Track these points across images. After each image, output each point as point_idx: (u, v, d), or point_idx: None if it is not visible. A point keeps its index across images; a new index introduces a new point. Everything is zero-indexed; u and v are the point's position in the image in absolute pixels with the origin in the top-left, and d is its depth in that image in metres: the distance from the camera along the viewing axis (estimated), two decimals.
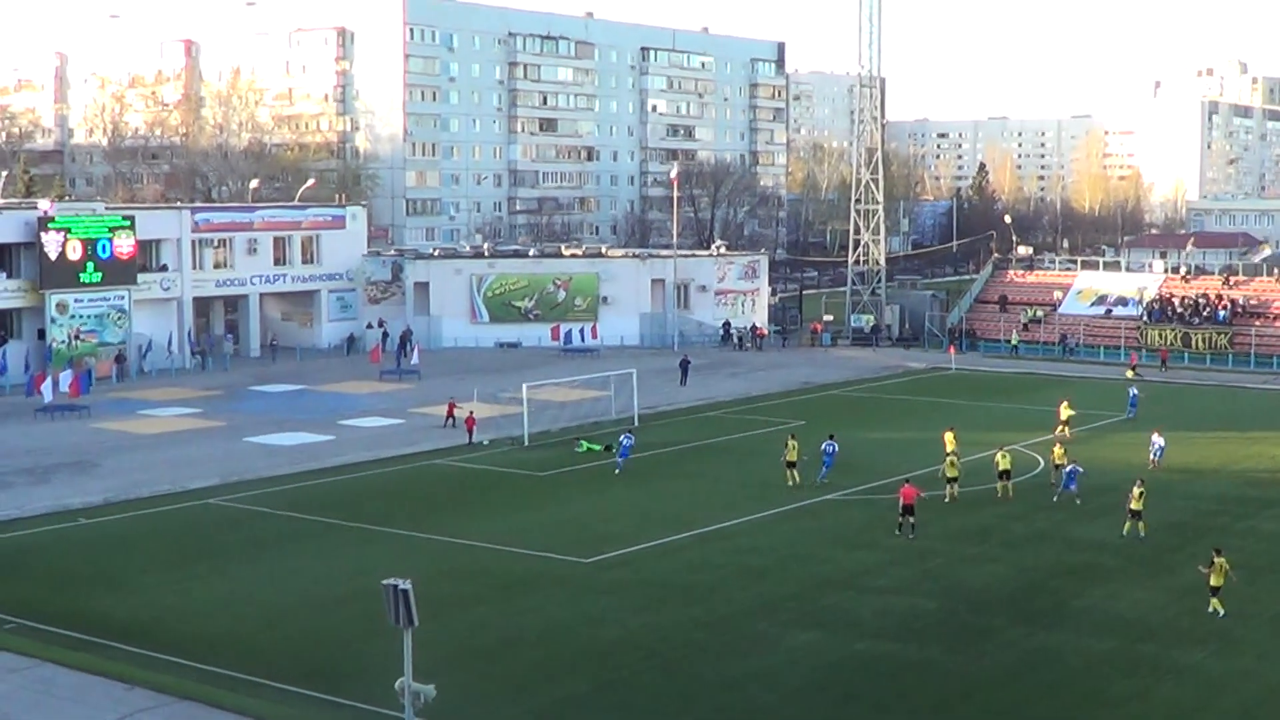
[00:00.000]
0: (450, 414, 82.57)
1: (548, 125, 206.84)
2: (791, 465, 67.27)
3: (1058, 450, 67.40)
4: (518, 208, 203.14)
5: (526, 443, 77.91)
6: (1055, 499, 62.59)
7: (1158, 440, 71.89)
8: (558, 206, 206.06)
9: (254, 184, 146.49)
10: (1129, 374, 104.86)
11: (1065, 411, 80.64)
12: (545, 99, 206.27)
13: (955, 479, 63.14)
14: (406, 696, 25.69)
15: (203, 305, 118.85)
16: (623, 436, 72.61)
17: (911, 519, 57.66)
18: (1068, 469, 63.50)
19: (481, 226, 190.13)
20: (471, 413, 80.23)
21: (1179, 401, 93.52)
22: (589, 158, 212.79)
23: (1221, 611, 46.13)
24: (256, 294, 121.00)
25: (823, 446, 67.67)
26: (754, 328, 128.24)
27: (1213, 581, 46.78)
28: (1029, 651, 43.82)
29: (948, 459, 64.42)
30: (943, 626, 46.03)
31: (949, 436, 68.92)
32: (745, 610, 47.90)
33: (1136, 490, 56.62)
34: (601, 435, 79.01)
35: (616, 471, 70.11)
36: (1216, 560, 44.07)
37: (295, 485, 67.82)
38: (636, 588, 50.66)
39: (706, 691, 40.39)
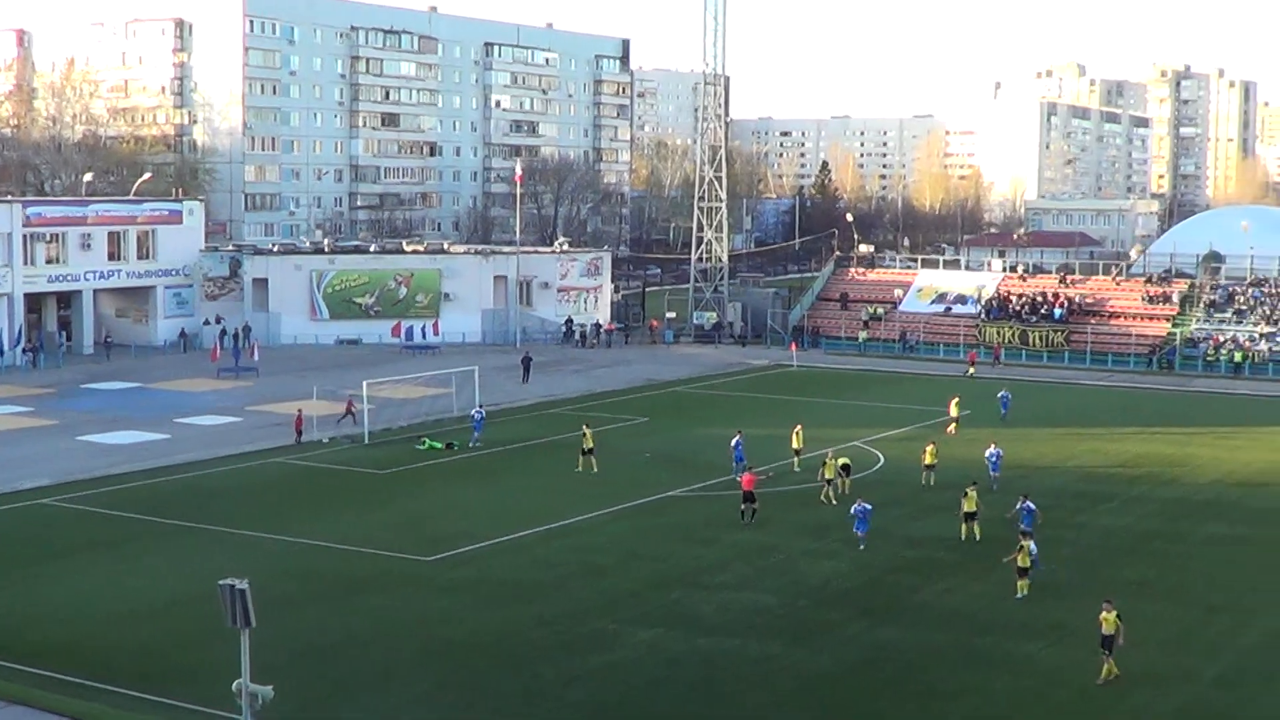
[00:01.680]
0: (349, 410, 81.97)
1: (390, 120, 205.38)
2: (588, 453, 68.80)
3: (929, 449, 67.85)
4: (359, 203, 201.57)
5: (367, 440, 77.39)
6: (994, 489, 63.88)
7: (1002, 394, 76.00)
8: (399, 202, 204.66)
9: (88, 177, 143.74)
10: (969, 371, 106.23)
11: (954, 409, 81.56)
12: (387, 94, 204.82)
13: (831, 480, 63.39)
14: (244, 698, 25.40)
15: (34, 301, 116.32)
16: (474, 411, 73.86)
17: (753, 505, 58.70)
18: (989, 453, 66.52)
19: (322, 222, 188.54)
20: (300, 411, 79.41)
21: (1015, 398, 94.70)
22: (431, 153, 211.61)
23: (1024, 593, 48.29)
24: (90, 290, 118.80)
25: (733, 443, 67.75)
26: (598, 324, 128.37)
27: (1020, 562, 48.56)
28: (869, 646, 44.26)
29: (827, 463, 64.56)
30: (783, 621, 46.36)
31: (797, 431, 69.72)
32: (587, 607, 47.92)
33: (971, 493, 57.35)
34: (443, 433, 78.69)
35: (471, 444, 72.17)
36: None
37: (131, 485, 66.77)
38: (479, 586, 50.51)
39: (549, 689, 40.35)
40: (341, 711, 38.57)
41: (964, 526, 56.64)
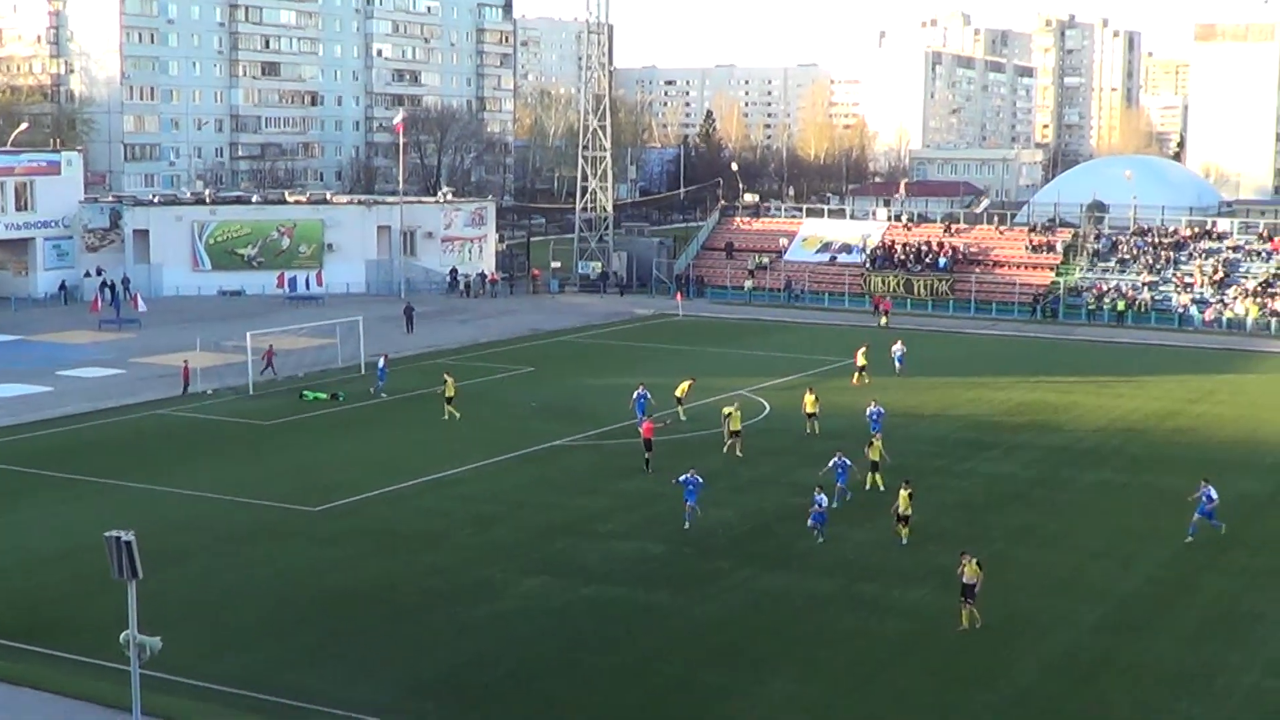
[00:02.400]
0: (269, 359, 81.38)
1: (270, 69, 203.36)
2: (449, 401, 69.84)
3: (809, 398, 67.94)
4: (240, 154, 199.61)
5: (251, 392, 76.77)
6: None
7: (899, 349, 79.32)
8: (281, 152, 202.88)
9: None
10: (882, 321, 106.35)
11: (861, 359, 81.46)
12: (267, 42, 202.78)
13: (738, 433, 63.40)
14: (132, 649, 25.20)
15: None
16: (378, 361, 76.05)
17: (648, 454, 59.09)
18: (870, 411, 64.88)
19: (203, 173, 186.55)
20: (186, 362, 78.65)
21: (893, 344, 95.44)
22: (313, 103, 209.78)
23: (904, 540, 48.93)
24: None
25: (634, 395, 67.43)
26: (483, 274, 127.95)
27: (901, 510, 49.02)
28: (755, 593, 44.57)
29: (729, 413, 64.61)
30: (670, 570, 46.56)
31: (683, 387, 69.79)
32: (475, 557, 47.92)
33: (876, 443, 57.68)
34: (327, 384, 78.23)
35: (372, 390, 73.90)
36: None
37: (13, 438, 65.87)
38: (366, 536, 50.34)
39: (437, 638, 40.34)
40: (230, 662, 38.35)
41: (870, 475, 56.51)
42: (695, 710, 35.46)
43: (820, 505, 49.34)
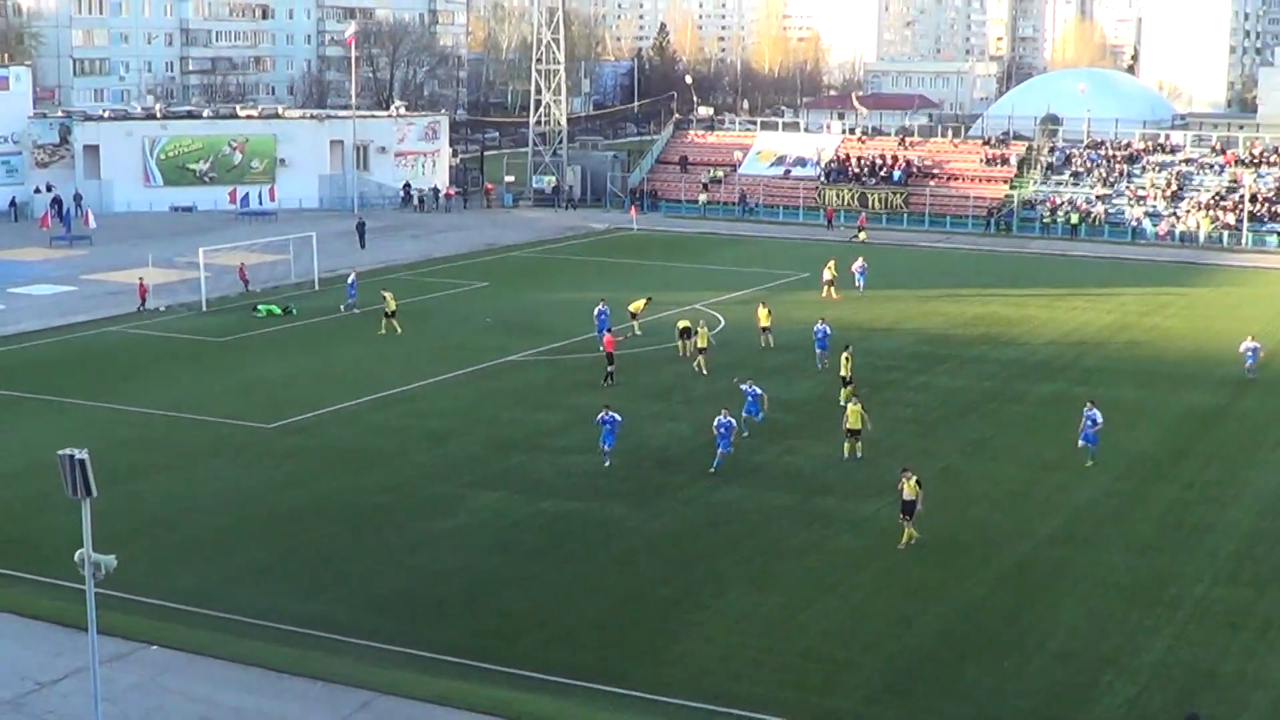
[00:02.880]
0: (242, 275, 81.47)
1: None
2: (390, 316, 70.17)
3: (762, 312, 67.72)
4: (191, 68, 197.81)
5: (205, 308, 76.36)
6: (821, 366, 62.38)
7: (860, 265, 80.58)
8: (232, 67, 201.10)
9: None
10: (860, 235, 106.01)
11: (830, 272, 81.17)
12: None
13: (705, 349, 63.40)
14: (87, 568, 25.13)
15: None
16: (349, 277, 75.92)
17: (610, 367, 59.31)
18: (816, 329, 63.44)
19: (153, 87, 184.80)
20: (142, 279, 78.17)
21: (851, 261, 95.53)
22: (264, 16, 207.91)
23: (857, 454, 49.06)
24: None
25: (595, 311, 66.68)
26: (436, 189, 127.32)
27: (850, 425, 49.28)
28: (710, 506, 44.69)
29: (686, 326, 64.82)
30: (625, 484, 46.62)
31: (639, 303, 69.59)
32: (429, 473, 47.91)
33: (844, 357, 57.65)
34: (281, 299, 77.82)
35: (343, 307, 73.60)
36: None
37: None
38: (320, 453, 50.26)
39: (392, 554, 40.36)
40: (185, 580, 38.30)
41: (844, 390, 56.31)
42: (652, 624, 35.58)
43: (722, 429, 47.80)
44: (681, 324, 65.35)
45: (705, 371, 61.51)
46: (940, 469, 48.14)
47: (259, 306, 75.77)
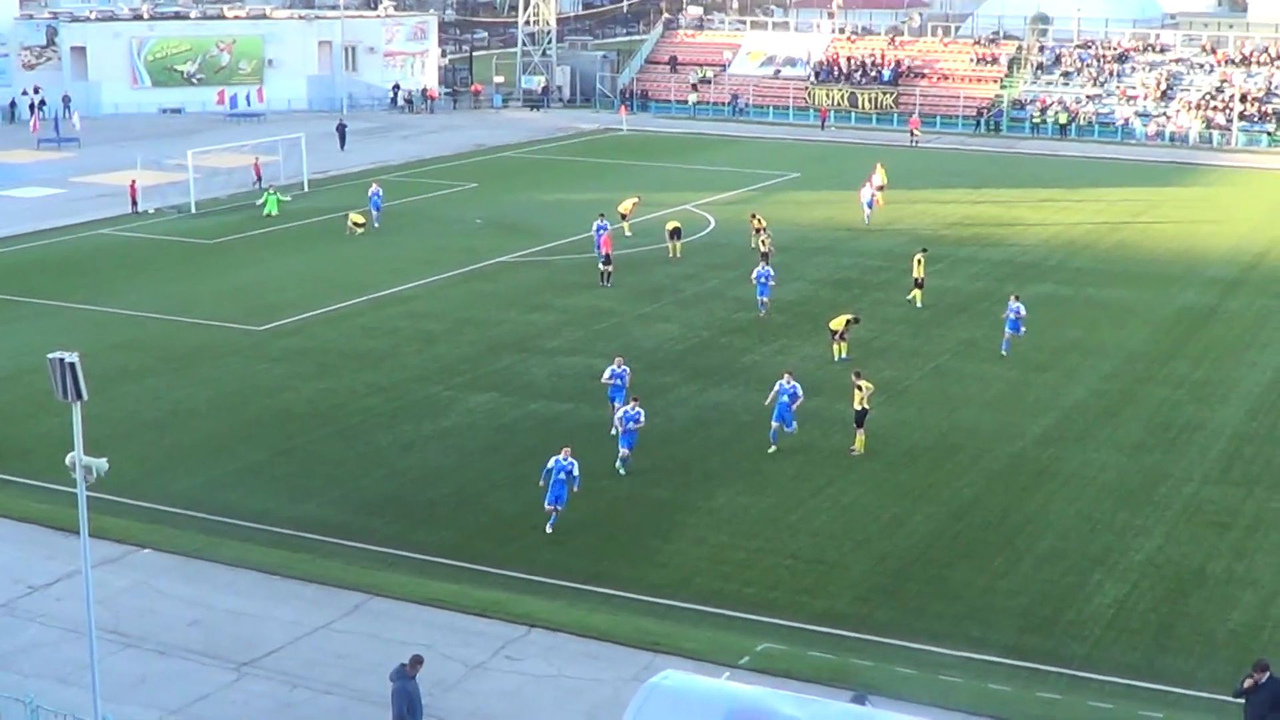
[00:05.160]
0: (257, 171, 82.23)
1: None
2: (358, 226, 69.92)
3: (754, 220, 67.08)
4: None
5: (194, 210, 76.07)
6: (763, 312, 56.85)
7: (874, 183, 75.99)
8: None
9: None
10: (915, 137, 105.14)
11: (881, 177, 79.46)
12: None
13: (678, 230, 64.52)
14: (78, 471, 25.08)
15: None
16: (372, 189, 74.03)
17: (609, 268, 59.31)
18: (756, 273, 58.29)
19: None
20: (133, 181, 77.80)
21: (844, 161, 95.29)
22: None
23: (843, 356, 49.19)
24: None
25: (594, 226, 64.21)
26: (425, 90, 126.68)
27: (833, 326, 49.55)
28: (702, 407, 44.78)
29: (671, 224, 65.06)
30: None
31: (628, 204, 69.32)
32: (420, 374, 47.92)
33: (917, 259, 57.73)
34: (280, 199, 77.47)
35: (374, 220, 71.35)
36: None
37: None
38: (310, 355, 50.24)
39: (384, 456, 40.44)
40: (177, 483, 38.39)
41: (915, 292, 57.05)
42: (644, 524, 35.70)
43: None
44: (670, 225, 65.22)
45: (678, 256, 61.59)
46: (931, 369, 48.24)
47: (266, 196, 75.48)
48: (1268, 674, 24.13)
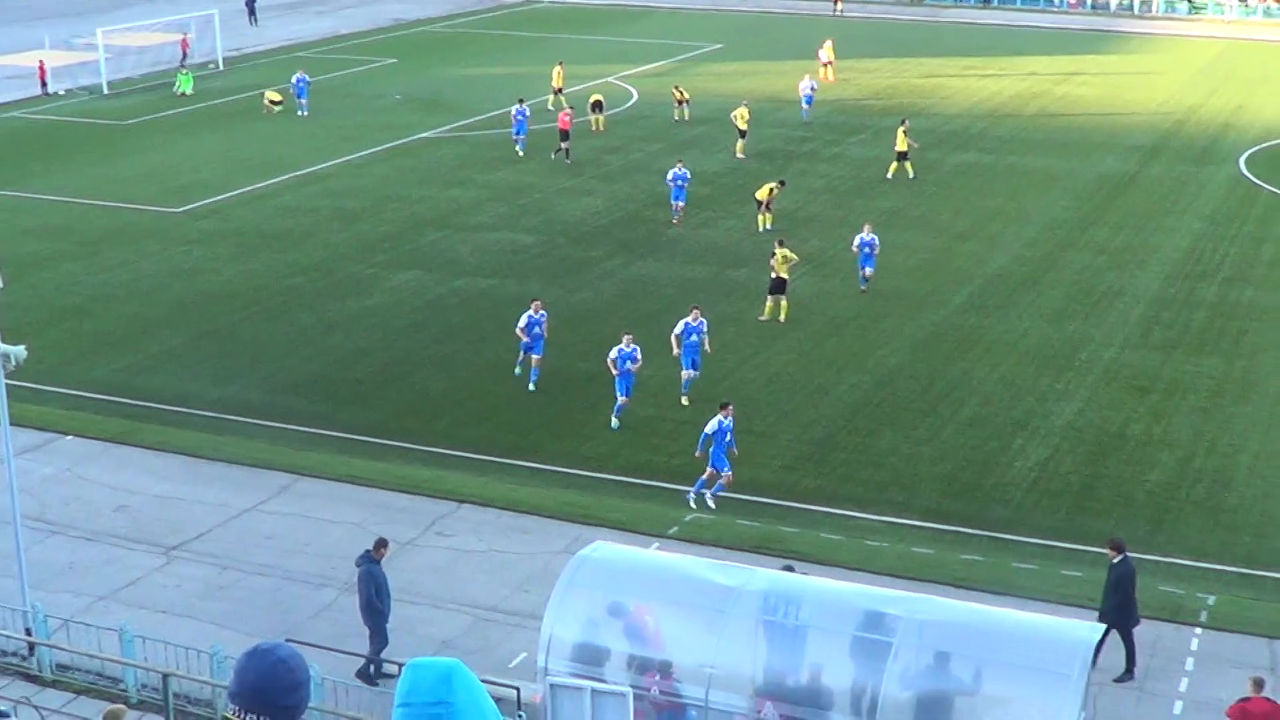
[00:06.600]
0: (184, 49, 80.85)
1: None
2: (274, 104, 68.85)
3: (677, 92, 67.22)
4: None
5: (106, 91, 74.91)
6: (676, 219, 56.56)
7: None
8: None
9: None
10: (838, 8, 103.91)
11: (828, 54, 78.60)
12: None
13: (600, 103, 64.42)
14: None
15: None
16: (296, 78, 70.92)
17: (566, 144, 58.77)
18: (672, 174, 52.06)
19: None
20: (41, 61, 76.48)
21: (768, 31, 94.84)
22: None
23: (768, 226, 48.79)
24: None
25: (514, 111, 63.86)
26: None
27: (760, 196, 49.26)
28: (628, 280, 44.73)
29: (593, 98, 64.67)
30: (541, 260, 46.55)
31: (557, 71, 68.88)
32: (342, 253, 47.60)
33: (900, 132, 57.38)
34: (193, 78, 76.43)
35: (298, 114, 69.41)
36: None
37: None
38: (230, 236, 49.78)
39: (307, 336, 40.24)
40: (98, 369, 38.08)
41: (895, 165, 57.15)
42: (571, 397, 35.72)
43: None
44: (593, 98, 64.88)
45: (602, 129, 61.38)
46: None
47: (179, 76, 74.53)
48: (1121, 555, 24.46)
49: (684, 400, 35.34)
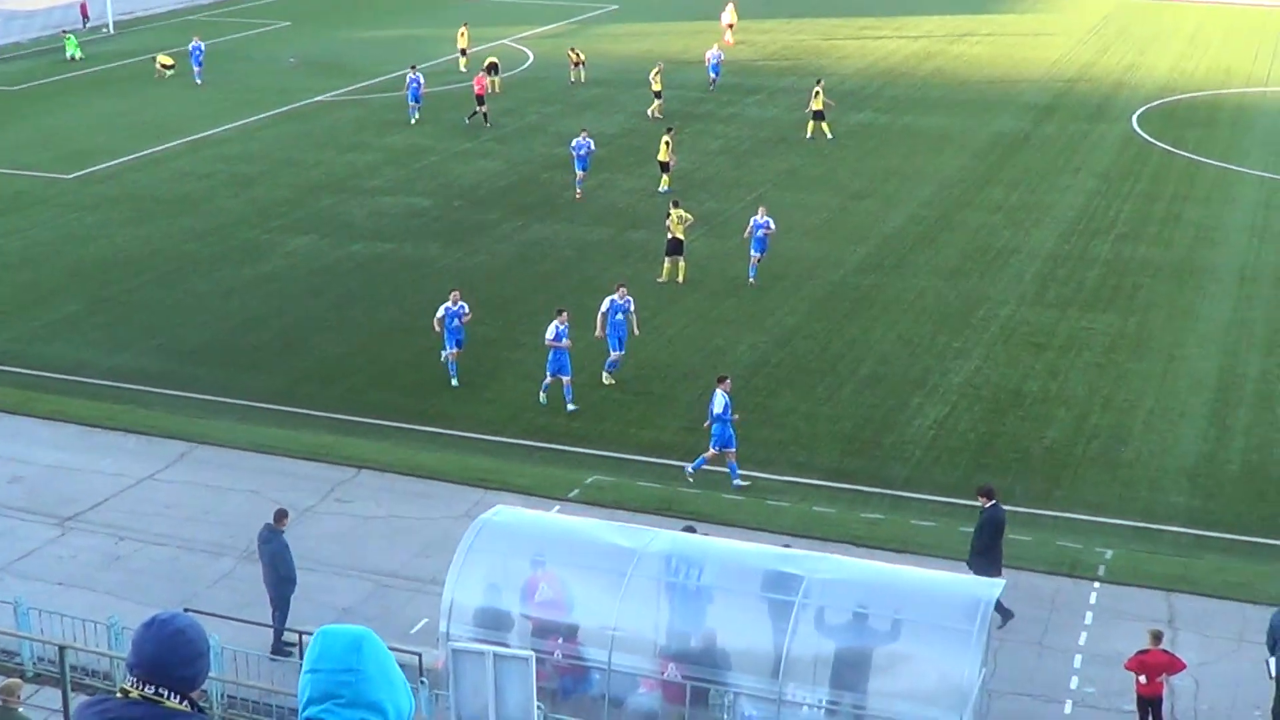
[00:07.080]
0: (84, 12, 79.83)
1: None
2: (166, 68, 67.89)
3: (573, 54, 66.98)
4: None
5: None
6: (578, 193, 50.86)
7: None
8: None
9: None
10: None
11: (731, 15, 78.21)
12: None
13: (495, 65, 63.99)
14: None
15: None
16: (192, 45, 69.62)
17: (483, 109, 58.35)
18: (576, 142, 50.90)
19: None
20: None
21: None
22: None
23: (668, 187, 48.81)
24: None
25: (408, 80, 63.18)
26: None
27: (660, 158, 49.67)
28: (524, 244, 44.61)
29: (488, 60, 64.29)
30: (438, 224, 46.37)
31: (462, 32, 68.60)
32: (238, 219, 47.18)
33: (815, 91, 57.27)
34: (81, 43, 75.32)
35: (194, 81, 67.59)
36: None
37: None
38: (124, 202, 49.22)
39: (202, 302, 39.90)
40: None
41: (811, 123, 57.06)
42: (469, 363, 35.52)
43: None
44: (488, 60, 64.56)
45: (497, 91, 61.08)
46: (753, 199, 48.30)
47: (66, 40, 73.47)
48: (991, 501, 24.71)
49: (606, 379, 34.76)
